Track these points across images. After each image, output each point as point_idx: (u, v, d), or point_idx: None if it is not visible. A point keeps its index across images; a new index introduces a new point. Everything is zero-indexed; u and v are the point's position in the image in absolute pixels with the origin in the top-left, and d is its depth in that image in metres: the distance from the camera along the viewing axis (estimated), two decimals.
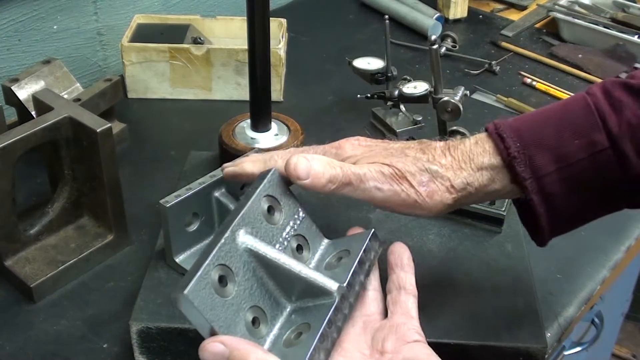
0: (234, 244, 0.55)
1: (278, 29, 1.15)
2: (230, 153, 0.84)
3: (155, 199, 0.70)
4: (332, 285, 0.56)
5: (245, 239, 0.56)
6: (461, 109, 0.91)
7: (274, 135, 0.87)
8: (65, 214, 0.80)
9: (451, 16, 1.37)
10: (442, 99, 0.91)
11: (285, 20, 1.17)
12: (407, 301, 0.60)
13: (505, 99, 1.13)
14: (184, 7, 1.29)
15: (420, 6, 1.37)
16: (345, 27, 1.35)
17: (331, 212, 0.80)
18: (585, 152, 0.58)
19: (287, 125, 0.89)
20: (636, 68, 1.22)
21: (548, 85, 1.18)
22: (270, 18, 0.82)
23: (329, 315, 0.54)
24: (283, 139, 0.87)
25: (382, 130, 1.05)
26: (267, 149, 0.84)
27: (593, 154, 0.58)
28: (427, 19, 1.32)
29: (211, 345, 0.51)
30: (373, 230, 0.62)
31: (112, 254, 0.81)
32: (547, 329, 0.74)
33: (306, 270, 0.57)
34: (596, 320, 1.18)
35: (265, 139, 0.86)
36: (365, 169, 0.61)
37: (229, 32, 1.19)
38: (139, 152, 1.00)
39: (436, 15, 1.34)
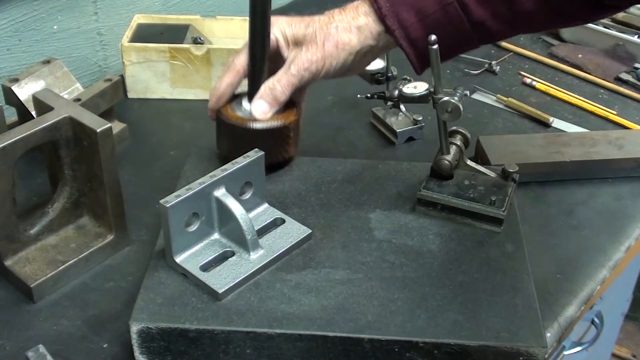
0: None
1: None
2: (225, 122, 0.84)
3: (155, 199, 0.70)
4: None
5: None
6: (461, 109, 0.91)
7: None
8: (65, 214, 0.80)
9: None
10: (442, 99, 0.91)
11: None
12: None
13: (505, 99, 1.13)
14: (184, 7, 1.28)
15: None
16: None
17: (331, 212, 0.80)
18: (438, 5, 0.77)
19: None
20: (636, 68, 1.22)
21: (548, 85, 1.18)
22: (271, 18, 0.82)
23: None
24: None
25: (382, 130, 1.05)
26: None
27: (443, 6, 0.77)
28: None
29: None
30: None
31: (112, 254, 0.81)
32: (547, 329, 0.74)
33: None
34: (596, 320, 1.18)
35: None
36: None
37: (229, 32, 1.19)
38: (139, 152, 1.00)
39: None
